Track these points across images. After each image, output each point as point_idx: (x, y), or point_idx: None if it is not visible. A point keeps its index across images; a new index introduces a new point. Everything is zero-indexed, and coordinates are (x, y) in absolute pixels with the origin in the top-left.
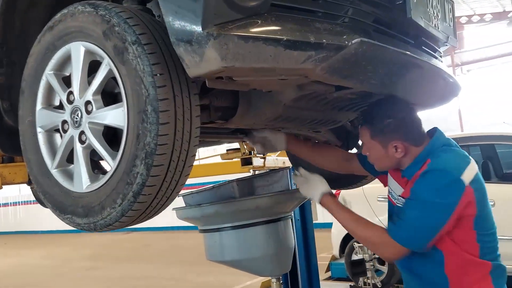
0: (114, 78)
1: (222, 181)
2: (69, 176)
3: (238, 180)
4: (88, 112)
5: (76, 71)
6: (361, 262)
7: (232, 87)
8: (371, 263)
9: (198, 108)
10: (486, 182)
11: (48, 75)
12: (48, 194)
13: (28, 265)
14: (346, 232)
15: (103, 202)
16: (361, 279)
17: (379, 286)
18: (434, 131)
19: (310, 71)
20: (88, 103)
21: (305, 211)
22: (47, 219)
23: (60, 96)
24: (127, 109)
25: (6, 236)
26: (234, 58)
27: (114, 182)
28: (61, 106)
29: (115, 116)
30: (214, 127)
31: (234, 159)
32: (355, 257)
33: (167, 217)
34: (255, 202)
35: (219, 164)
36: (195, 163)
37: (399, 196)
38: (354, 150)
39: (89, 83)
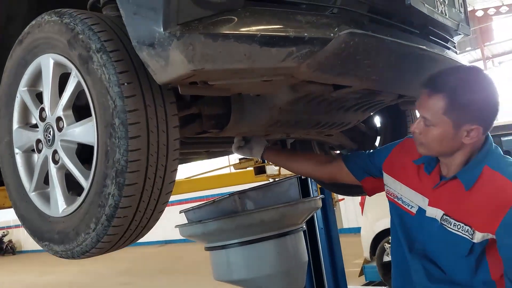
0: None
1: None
2: (47, 199)
3: (240, 192)
4: (60, 129)
5: (46, 85)
6: None
7: (211, 92)
8: None
9: (175, 118)
10: None
11: (22, 92)
12: (26, 220)
13: (64, 283)
14: (376, 232)
15: (77, 227)
16: None
17: None
18: None
19: (294, 70)
20: (59, 119)
21: (328, 218)
22: None
23: (33, 113)
24: (96, 123)
25: (43, 254)
26: (202, 60)
27: (87, 205)
28: (36, 125)
29: (86, 132)
30: (211, 137)
31: (248, 168)
32: (386, 258)
33: None
34: (259, 216)
35: (232, 174)
36: (208, 174)
37: (448, 217)
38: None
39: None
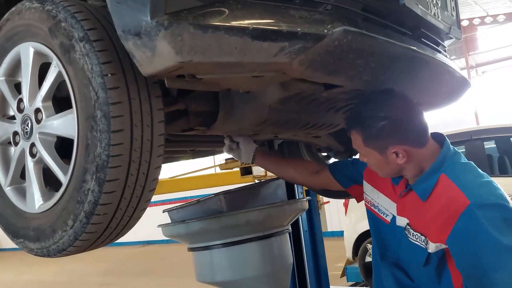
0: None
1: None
2: (23, 194)
3: (225, 192)
4: (38, 121)
5: (26, 75)
6: None
7: (199, 87)
8: None
9: (161, 113)
10: (502, 176)
11: (0, 81)
12: (1, 216)
13: (43, 283)
14: (359, 233)
15: (54, 224)
16: None
17: None
18: (443, 138)
19: (286, 66)
20: (37, 111)
21: (313, 221)
22: None
23: (11, 104)
24: (77, 115)
25: (22, 253)
26: (191, 51)
27: (65, 201)
28: (14, 116)
29: (65, 124)
30: (196, 134)
31: (234, 169)
32: (368, 259)
33: None
34: (245, 217)
35: (218, 175)
36: (193, 174)
37: (409, 227)
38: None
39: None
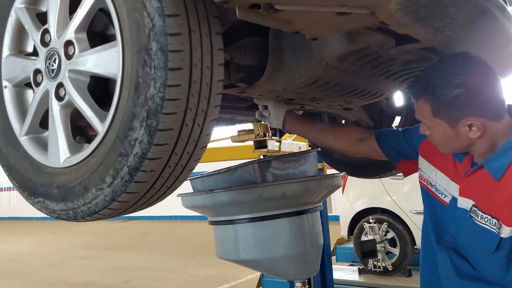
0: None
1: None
2: (43, 146)
3: (259, 161)
4: (69, 57)
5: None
6: (371, 243)
7: (270, 23)
8: (382, 245)
9: (221, 54)
10: None
11: (18, 10)
12: (14, 170)
13: (19, 253)
14: (356, 211)
15: (86, 180)
16: (370, 261)
17: (390, 269)
18: None
19: (384, 3)
20: (68, 44)
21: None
22: None
23: (33, 36)
24: (122, 48)
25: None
26: None
27: (102, 153)
28: (35, 53)
29: (106, 60)
30: (230, 94)
31: (246, 142)
32: (364, 238)
33: (166, 205)
34: (281, 189)
35: (228, 148)
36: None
37: (477, 208)
38: None
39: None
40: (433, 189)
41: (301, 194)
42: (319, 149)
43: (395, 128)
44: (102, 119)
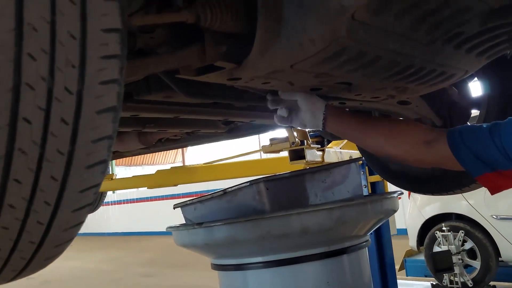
0: None
1: None
2: None
3: (267, 179)
4: None
5: None
6: (446, 255)
7: None
8: (459, 257)
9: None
10: None
11: None
12: None
13: (86, 270)
14: (426, 219)
15: None
16: (446, 276)
17: (470, 286)
18: None
19: None
20: None
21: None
22: (113, 221)
23: None
24: None
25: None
26: None
27: None
28: None
29: None
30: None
31: (281, 153)
32: (437, 249)
33: None
34: (299, 221)
35: (260, 161)
36: (227, 161)
37: None
38: None
39: None
40: None
41: (332, 227)
42: (362, 157)
43: (475, 125)
44: None
